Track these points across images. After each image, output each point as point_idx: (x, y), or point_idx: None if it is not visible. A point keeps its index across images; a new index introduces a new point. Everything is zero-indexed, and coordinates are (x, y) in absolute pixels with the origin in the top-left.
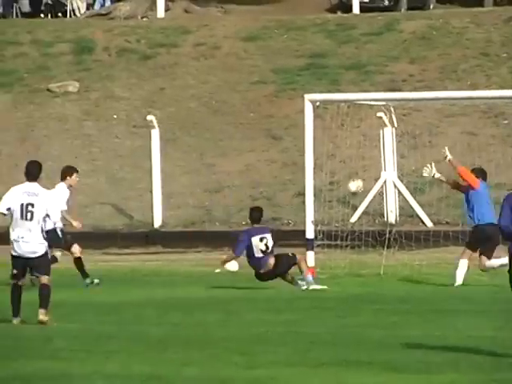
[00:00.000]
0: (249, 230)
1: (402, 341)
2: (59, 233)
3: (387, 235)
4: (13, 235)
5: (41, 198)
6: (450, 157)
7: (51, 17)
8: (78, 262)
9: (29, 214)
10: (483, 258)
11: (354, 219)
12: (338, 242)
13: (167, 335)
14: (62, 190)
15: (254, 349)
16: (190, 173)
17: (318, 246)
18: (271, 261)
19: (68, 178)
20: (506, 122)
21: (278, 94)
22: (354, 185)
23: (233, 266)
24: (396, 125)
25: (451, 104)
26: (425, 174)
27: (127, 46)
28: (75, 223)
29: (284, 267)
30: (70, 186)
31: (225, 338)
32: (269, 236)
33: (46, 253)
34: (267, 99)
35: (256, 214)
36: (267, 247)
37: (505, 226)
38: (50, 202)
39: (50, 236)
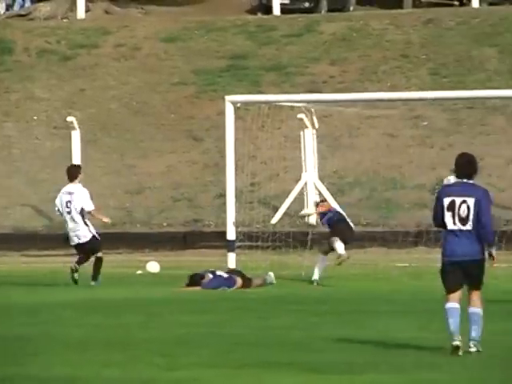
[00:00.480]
0: None
1: (322, 342)
2: None
3: (309, 236)
4: None
5: None
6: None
7: None
8: None
9: None
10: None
11: (275, 220)
12: (259, 244)
13: (88, 336)
14: None
15: (175, 350)
16: (110, 174)
17: (239, 247)
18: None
19: None
20: (425, 123)
21: (198, 95)
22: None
23: (154, 267)
24: (317, 126)
25: (371, 106)
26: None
27: (47, 46)
28: None
29: None
30: None
31: (146, 340)
32: None
33: None
34: (188, 100)
35: None
36: None
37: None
38: None
39: None
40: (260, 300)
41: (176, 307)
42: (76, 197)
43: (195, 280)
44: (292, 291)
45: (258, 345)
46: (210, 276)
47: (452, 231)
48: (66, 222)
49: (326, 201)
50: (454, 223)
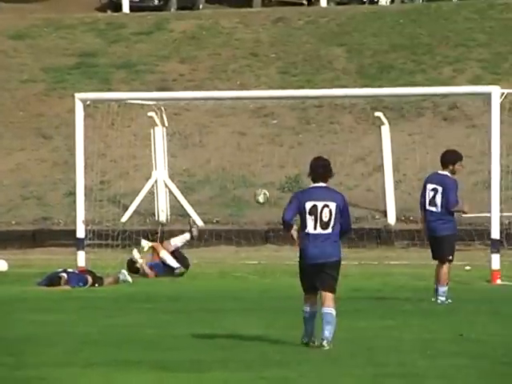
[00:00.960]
0: None
1: (172, 340)
2: None
3: (159, 234)
4: None
5: None
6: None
7: None
8: None
9: None
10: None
11: (124, 218)
12: (109, 242)
13: None
14: None
15: (23, 349)
16: None
17: (89, 245)
18: None
19: None
20: (274, 121)
21: (47, 92)
22: (262, 196)
23: (1, 265)
24: (167, 124)
25: (221, 104)
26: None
27: None
28: None
29: None
30: None
31: None
32: None
33: None
34: (37, 98)
35: None
36: None
37: (287, 221)
38: None
39: None
40: (110, 299)
41: (23, 306)
42: None
43: (53, 280)
44: (143, 289)
45: (106, 343)
46: (65, 275)
47: (313, 235)
48: None
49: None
50: (315, 228)
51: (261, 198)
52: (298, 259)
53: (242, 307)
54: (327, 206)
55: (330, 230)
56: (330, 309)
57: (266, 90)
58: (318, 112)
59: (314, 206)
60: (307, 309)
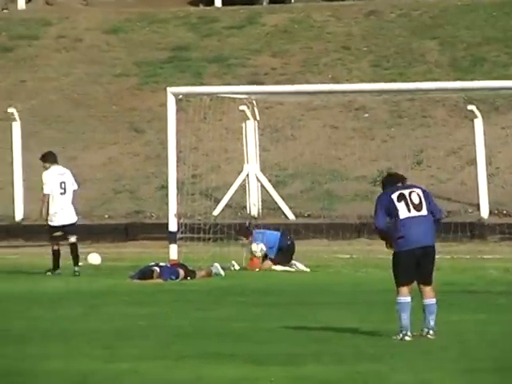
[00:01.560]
0: None
1: (264, 333)
2: None
3: (250, 228)
4: None
5: None
6: None
7: None
8: None
9: None
10: None
11: (216, 212)
12: (201, 235)
13: (28, 329)
14: None
15: (115, 342)
16: None
17: (181, 239)
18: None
19: None
20: (366, 115)
21: (140, 86)
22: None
23: (95, 259)
24: (258, 118)
25: (313, 97)
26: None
27: None
28: None
29: None
30: None
31: (87, 332)
32: None
33: None
34: (130, 92)
35: None
36: None
37: (381, 228)
38: None
39: None
40: (202, 292)
41: (115, 299)
42: (68, 177)
43: (146, 273)
44: (235, 283)
45: (198, 336)
46: (157, 269)
47: (409, 218)
48: (55, 201)
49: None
50: (409, 210)
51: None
52: (396, 250)
53: (335, 301)
54: (413, 191)
55: (424, 212)
56: (433, 299)
57: (358, 84)
58: (410, 105)
59: (401, 194)
60: (406, 299)
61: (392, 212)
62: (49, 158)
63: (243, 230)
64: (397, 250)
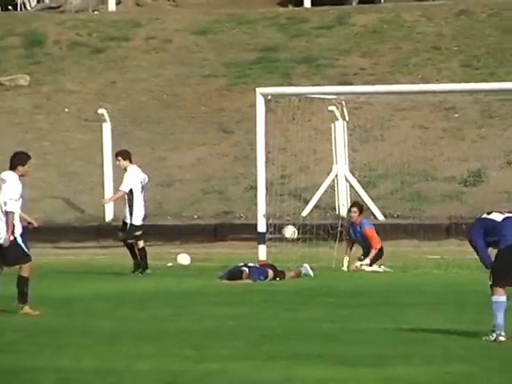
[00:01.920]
0: None
1: (353, 334)
2: None
3: (339, 228)
4: None
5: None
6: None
7: (1, 10)
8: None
9: None
10: None
11: (305, 213)
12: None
13: (118, 329)
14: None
15: (205, 343)
16: (141, 166)
17: (270, 239)
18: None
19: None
20: (456, 115)
21: (229, 87)
22: (289, 231)
23: (184, 259)
24: (347, 118)
25: (402, 98)
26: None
27: (78, 39)
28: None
29: None
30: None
31: (176, 332)
32: None
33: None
34: (218, 93)
35: None
36: None
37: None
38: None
39: None
40: (291, 292)
41: (204, 299)
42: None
43: (235, 274)
44: (324, 283)
45: (287, 337)
46: (246, 269)
47: (508, 218)
48: (138, 200)
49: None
50: (503, 213)
51: (288, 234)
52: (500, 247)
53: (425, 301)
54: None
55: None
56: None
57: (448, 84)
58: (501, 105)
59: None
60: (502, 299)
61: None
62: (128, 157)
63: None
64: (501, 247)
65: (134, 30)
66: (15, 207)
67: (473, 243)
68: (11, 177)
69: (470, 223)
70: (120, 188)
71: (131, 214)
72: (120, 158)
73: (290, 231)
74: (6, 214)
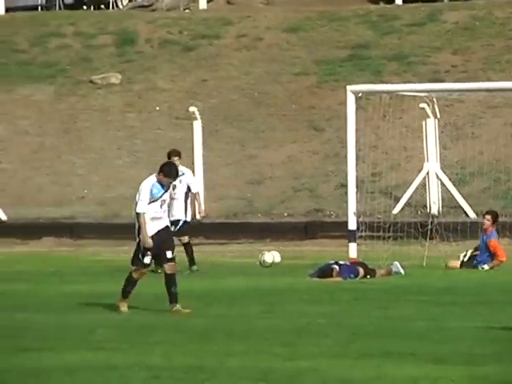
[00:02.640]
0: None
1: (444, 332)
2: None
3: (430, 226)
4: None
5: None
6: None
7: (94, 8)
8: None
9: None
10: None
11: (396, 210)
12: (381, 234)
13: (210, 326)
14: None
15: (295, 340)
16: (231, 164)
17: (361, 237)
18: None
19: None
20: None
21: (320, 85)
22: (270, 256)
23: (275, 256)
24: (439, 116)
25: (494, 95)
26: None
27: (169, 37)
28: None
29: None
30: None
31: (267, 330)
32: None
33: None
34: (309, 90)
35: None
36: None
37: None
38: None
39: None
40: (382, 290)
41: (295, 297)
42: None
43: (325, 271)
44: (415, 281)
45: (378, 335)
46: (337, 267)
47: None
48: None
49: None
50: None
51: (267, 258)
52: None
53: None
54: None
55: None
56: None
57: None
58: None
59: None
60: None
61: None
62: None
63: None
64: None
65: (225, 28)
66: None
67: None
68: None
69: None
70: (196, 190)
71: (186, 212)
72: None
73: (270, 256)
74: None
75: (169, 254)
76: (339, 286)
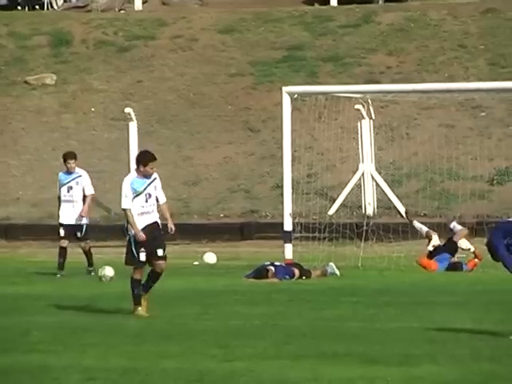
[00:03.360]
0: None
1: (379, 333)
2: None
3: (365, 227)
4: None
5: None
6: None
7: (28, 9)
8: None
9: None
10: None
11: (331, 211)
12: (316, 235)
13: (145, 328)
14: None
15: (231, 341)
16: (167, 165)
17: (296, 238)
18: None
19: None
20: (483, 114)
21: (255, 86)
22: (211, 257)
23: (211, 258)
24: (374, 117)
25: (429, 96)
26: None
27: (105, 38)
28: None
29: None
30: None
31: (203, 331)
32: None
33: None
34: (245, 91)
35: None
36: None
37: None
38: None
39: None
40: (317, 291)
41: (231, 298)
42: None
43: (261, 272)
44: (349, 282)
45: (313, 336)
46: (272, 268)
47: None
48: None
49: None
50: None
51: (108, 272)
52: None
53: (452, 300)
54: None
55: None
56: None
57: (475, 82)
58: None
59: None
60: None
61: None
62: None
63: None
64: None
65: (161, 29)
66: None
67: (492, 247)
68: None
69: (493, 226)
70: (90, 193)
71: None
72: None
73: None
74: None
75: (160, 252)
76: (275, 287)
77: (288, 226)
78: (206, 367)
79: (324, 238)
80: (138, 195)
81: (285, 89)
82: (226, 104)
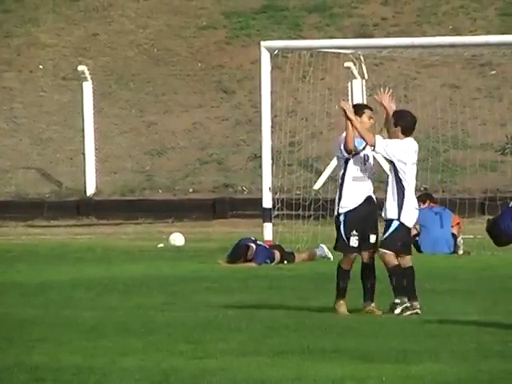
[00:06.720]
0: None
1: (373, 326)
2: None
3: None
4: None
5: None
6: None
7: None
8: None
9: None
10: None
11: (317, 186)
12: (300, 212)
13: (101, 321)
14: None
15: (202, 336)
16: (128, 132)
17: (277, 216)
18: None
19: None
20: (493, 72)
21: (229, 40)
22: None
23: (178, 239)
24: (366, 76)
25: (430, 52)
26: None
27: None
28: None
29: None
30: None
31: (168, 324)
32: None
33: None
34: (217, 47)
35: None
36: None
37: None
38: None
39: None
40: (301, 278)
41: (201, 286)
42: None
43: (239, 253)
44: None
45: (298, 329)
46: (253, 246)
47: None
48: None
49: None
50: None
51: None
52: None
53: (456, 288)
54: None
55: None
56: None
57: (483, 36)
58: None
59: None
60: None
61: None
62: None
63: None
64: None
65: None
66: None
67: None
68: None
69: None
70: None
71: None
72: None
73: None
74: None
75: (372, 239)
76: (252, 272)
77: (267, 202)
78: (171, 365)
79: (309, 217)
80: (356, 153)
81: (263, 43)
82: (195, 61)
